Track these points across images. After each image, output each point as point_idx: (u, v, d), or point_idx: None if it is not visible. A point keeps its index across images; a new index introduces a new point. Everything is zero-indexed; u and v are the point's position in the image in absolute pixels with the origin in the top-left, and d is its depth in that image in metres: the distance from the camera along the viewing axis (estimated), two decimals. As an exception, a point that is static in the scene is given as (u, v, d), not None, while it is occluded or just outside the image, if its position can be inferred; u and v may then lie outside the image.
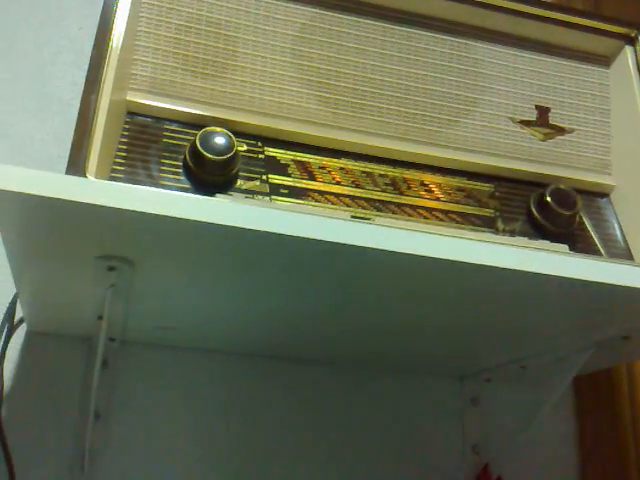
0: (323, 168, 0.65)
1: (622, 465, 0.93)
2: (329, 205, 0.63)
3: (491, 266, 0.54)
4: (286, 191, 0.62)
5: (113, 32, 0.59)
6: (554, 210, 0.67)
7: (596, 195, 0.72)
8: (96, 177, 0.54)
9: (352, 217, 0.60)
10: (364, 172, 0.66)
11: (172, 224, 0.49)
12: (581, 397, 0.97)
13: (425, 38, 0.70)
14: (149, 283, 0.62)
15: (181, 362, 0.83)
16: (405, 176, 0.67)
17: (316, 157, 0.65)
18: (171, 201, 0.49)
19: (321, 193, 0.63)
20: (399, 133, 0.67)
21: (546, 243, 0.64)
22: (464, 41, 0.71)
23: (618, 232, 0.71)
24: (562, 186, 0.69)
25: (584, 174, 0.72)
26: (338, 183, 0.64)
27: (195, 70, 0.63)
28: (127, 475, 0.79)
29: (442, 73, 0.69)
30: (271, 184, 0.62)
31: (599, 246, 0.69)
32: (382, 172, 0.66)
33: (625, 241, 0.70)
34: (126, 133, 0.60)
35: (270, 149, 0.64)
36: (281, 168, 0.63)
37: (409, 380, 0.91)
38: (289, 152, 0.64)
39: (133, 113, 0.61)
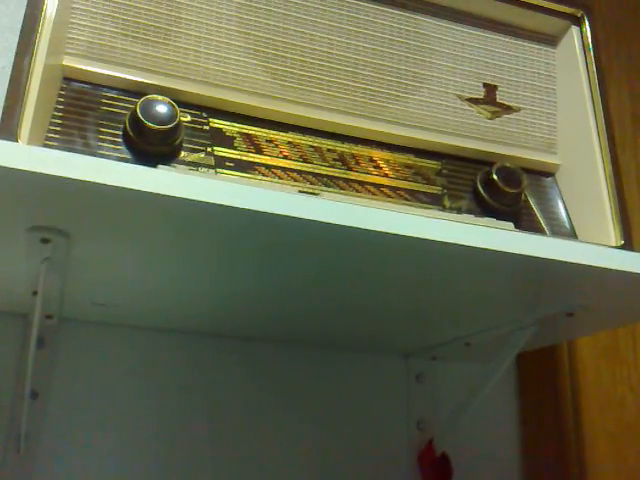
0: (270, 141, 0.63)
1: (562, 440, 0.95)
2: (276, 179, 0.62)
3: (438, 241, 0.54)
4: (232, 164, 0.61)
5: (48, -8, 0.56)
6: (500, 188, 0.67)
7: (541, 174, 0.73)
8: (29, 144, 0.51)
9: (299, 192, 0.59)
10: (312, 147, 0.65)
11: (111, 194, 0.47)
12: (523, 374, 0.98)
13: (373, 11, 0.69)
14: (86, 257, 0.60)
15: (122, 340, 0.81)
16: (353, 152, 0.66)
17: (263, 130, 0.63)
18: (110, 169, 0.47)
19: (268, 167, 0.62)
20: (347, 107, 0.66)
21: (492, 221, 0.64)
22: (413, 16, 0.70)
23: (562, 211, 0.72)
24: (508, 164, 0.69)
25: (530, 153, 0.72)
26: (286, 157, 0.63)
27: (136, 36, 0.60)
28: (65, 457, 0.76)
29: (390, 48, 0.68)
30: (216, 157, 0.61)
31: (543, 225, 0.70)
32: (330, 147, 0.65)
33: (569, 220, 0.71)
34: (62, 99, 0.57)
35: (215, 120, 0.62)
36: (227, 140, 0.62)
37: (355, 357, 0.91)
38: (235, 124, 0.63)
39: (69, 79, 0.58)
